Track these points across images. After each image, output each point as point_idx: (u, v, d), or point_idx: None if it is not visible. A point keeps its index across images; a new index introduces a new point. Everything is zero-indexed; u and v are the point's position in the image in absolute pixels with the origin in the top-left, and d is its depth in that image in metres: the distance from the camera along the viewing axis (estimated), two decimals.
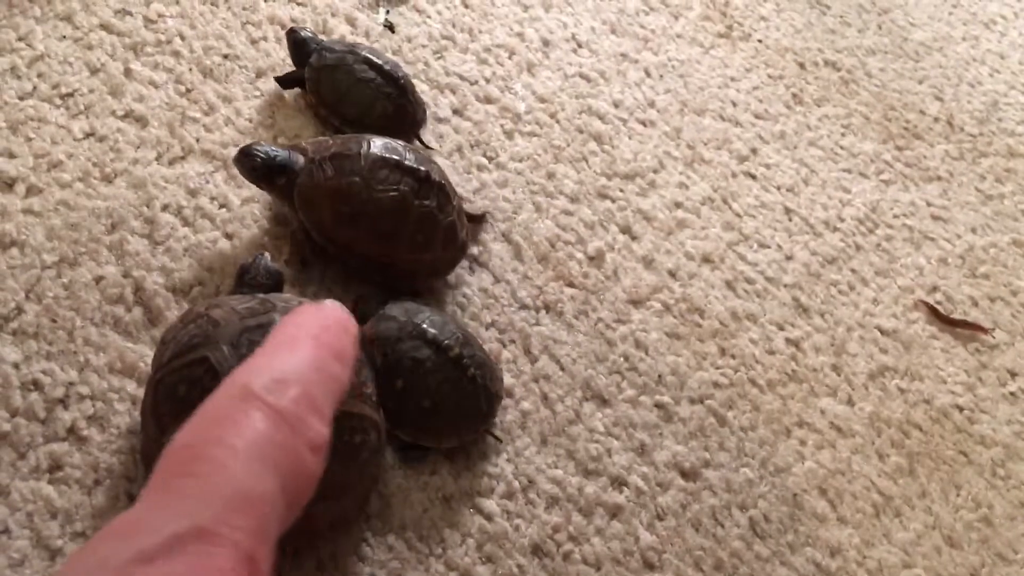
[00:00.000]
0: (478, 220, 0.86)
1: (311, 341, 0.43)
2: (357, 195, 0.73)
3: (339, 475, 0.60)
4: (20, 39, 0.82)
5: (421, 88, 0.96)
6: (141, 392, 0.66)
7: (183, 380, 0.59)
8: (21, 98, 0.78)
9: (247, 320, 0.62)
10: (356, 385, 0.63)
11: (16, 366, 0.65)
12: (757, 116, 1.16)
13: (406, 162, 0.75)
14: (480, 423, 0.73)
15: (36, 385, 0.65)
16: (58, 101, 0.80)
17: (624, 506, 0.76)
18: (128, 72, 0.84)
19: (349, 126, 0.86)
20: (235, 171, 0.81)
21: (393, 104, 0.87)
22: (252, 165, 0.73)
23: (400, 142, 0.78)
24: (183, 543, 0.33)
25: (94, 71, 0.83)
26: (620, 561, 0.73)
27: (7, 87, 0.78)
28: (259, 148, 0.74)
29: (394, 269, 0.77)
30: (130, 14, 0.88)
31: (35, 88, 0.79)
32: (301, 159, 0.75)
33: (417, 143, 0.90)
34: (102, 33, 0.86)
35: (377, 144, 0.76)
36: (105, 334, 0.69)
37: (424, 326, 0.72)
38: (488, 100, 1.00)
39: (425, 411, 0.71)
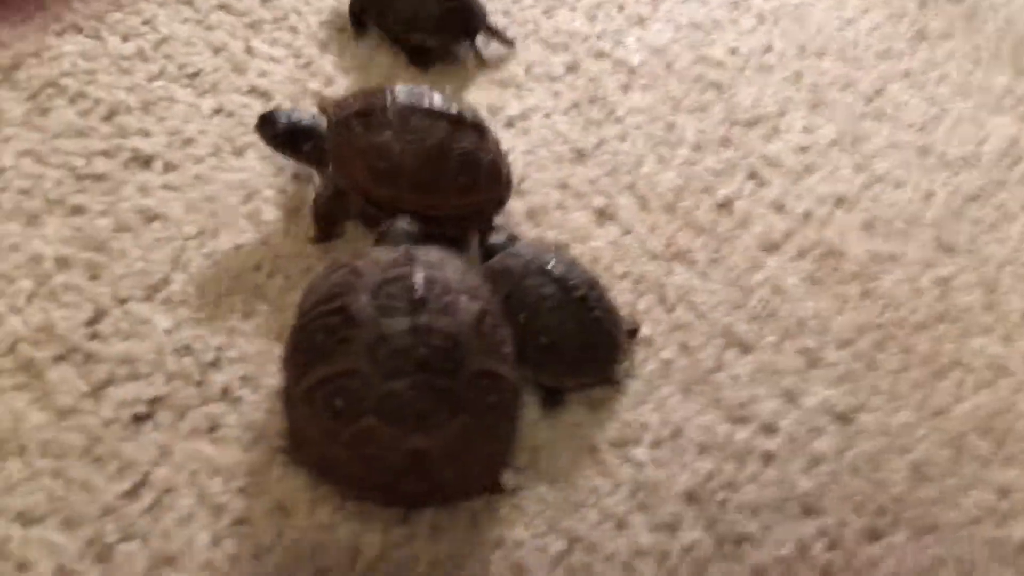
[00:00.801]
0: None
1: None
2: (391, 149, 0.70)
3: (473, 432, 0.59)
4: (145, 23, 0.84)
5: (533, 48, 0.95)
6: None
7: (321, 328, 0.59)
8: (151, 79, 0.80)
9: (388, 271, 0.61)
10: (494, 344, 0.62)
11: (168, 332, 0.67)
12: (879, 56, 1.10)
13: (436, 106, 0.71)
14: (600, 367, 0.72)
15: (188, 350, 0.66)
16: (185, 81, 0.81)
17: (777, 452, 0.73)
18: (249, 50, 0.85)
19: (402, 29, 0.85)
20: None
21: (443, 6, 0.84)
22: (274, 132, 0.70)
23: (425, 86, 0.75)
24: None
25: (217, 50, 0.84)
26: (778, 507, 0.70)
27: (137, 70, 0.80)
28: (280, 113, 0.71)
29: (441, 219, 0.74)
30: None
31: (163, 69, 0.81)
32: (324, 122, 0.72)
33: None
34: (221, 14, 0.87)
35: (401, 92, 0.72)
36: (249, 301, 0.70)
37: (551, 264, 0.71)
38: (601, 55, 0.98)
39: (545, 348, 0.69)
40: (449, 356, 0.59)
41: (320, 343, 0.59)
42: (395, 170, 0.70)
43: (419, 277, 0.61)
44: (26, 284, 0.66)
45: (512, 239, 0.75)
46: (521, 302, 0.69)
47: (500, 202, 0.77)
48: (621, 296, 0.79)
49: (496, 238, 0.75)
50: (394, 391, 0.57)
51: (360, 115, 0.70)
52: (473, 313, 0.61)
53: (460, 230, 0.76)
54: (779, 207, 0.90)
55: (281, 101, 0.82)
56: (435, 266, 0.63)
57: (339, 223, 0.74)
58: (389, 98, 0.71)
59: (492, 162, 0.74)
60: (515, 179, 0.84)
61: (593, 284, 0.72)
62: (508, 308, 0.68)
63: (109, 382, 0.63)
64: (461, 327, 0.60)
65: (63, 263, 0.68)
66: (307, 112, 0.71)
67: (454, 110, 0.72)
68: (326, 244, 0.74)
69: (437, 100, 0.72)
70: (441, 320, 0.59)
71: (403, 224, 0.71)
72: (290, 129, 0.70)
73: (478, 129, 0.73)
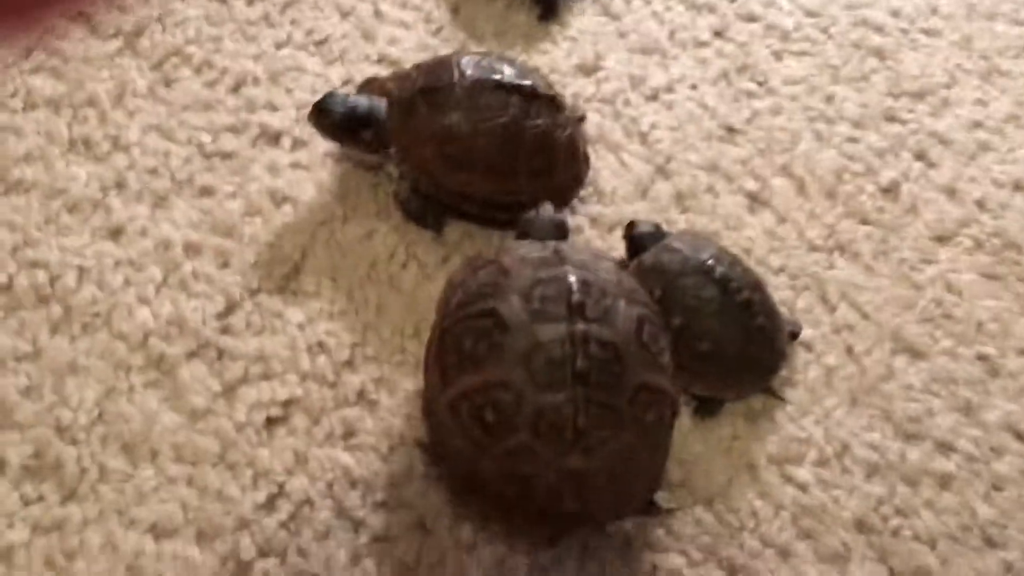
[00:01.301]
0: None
1: None
2: (462, 132, 0.64)
3: (632, 451, 0.54)
4: None
5: (677, 9, 0.87)
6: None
7: (470, 331, 0.54)
8: (278, 47, 0.76)
9: (540, 271, 0.56)
10: (654, 354, 0.56)
11: (301, 327, 0.63)
12: None
13: (506, 79, 0.65)
14: (762, 377, 0.65)
15: (322, 347, 0.62)
16: (312, 48, 0.77)
17: (955, 474, 0.66)
18: (378, 14, 0.80)
19: None
20: None
21: None
22: (331, 121, 0.65)
23: (493, 55, 0.68)
24: None
25: (344, 15, 0.79)
26: (957, 538, 0.64)
27: (263, 36, 0.76)
28: (335, 100, 0.65)
29: (518, 203, 0.67)
30: None
31: (290, 36, 0.77)
32: (384, 103, 0.66)
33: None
34: None
35: (469, 65, 0.66)
36: (383, 293, 0.65)
37: (711, 262, 0.65)
38: (751, 18, 0.90)
39: (702, 355, 0.63)
40: (609, 368, 0.53)
41: (468, 349, 0.54)
42: (467, 154, 0.64)
43: (574, 279, 0.55)
44: (156, 272, 0.63)
45: (659, 229, 0.69)
46: (678, 304, 0.63)
47: (579, 182, 0.71)
48: (778, 293, 0.72)
49: (643, 227, 0.69)
50: (551, 406, 0.52)
51: (425, 93, 0.64)
52: (633, 320, 0.56)
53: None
54: (951, 192, 0.81)
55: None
56: (588, 266, 0.58)
57: (438, 213, 0.68)
58: (456, 72, 0.65)
59: (569, 138, 0.68)
60: (661, 158, 0.77)
61: (757, 286, 0.66)
62: (663, 309, 0.62)
63: (243, 381, 0.60)
64: (621, 336, 0.54)
65: (193, 249, 0.64)
66: (365, 96, 0.66)
67: (527, 82, 0.65)
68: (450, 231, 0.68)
69: (508, 72, 0.66)
70: (600, 328, 0.54)
71: (548, 215, 0.65)
72: (348, 116, 0.64)
73: (553, 103, 0.67)
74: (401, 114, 0.65)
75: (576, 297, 0.55)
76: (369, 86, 0.69)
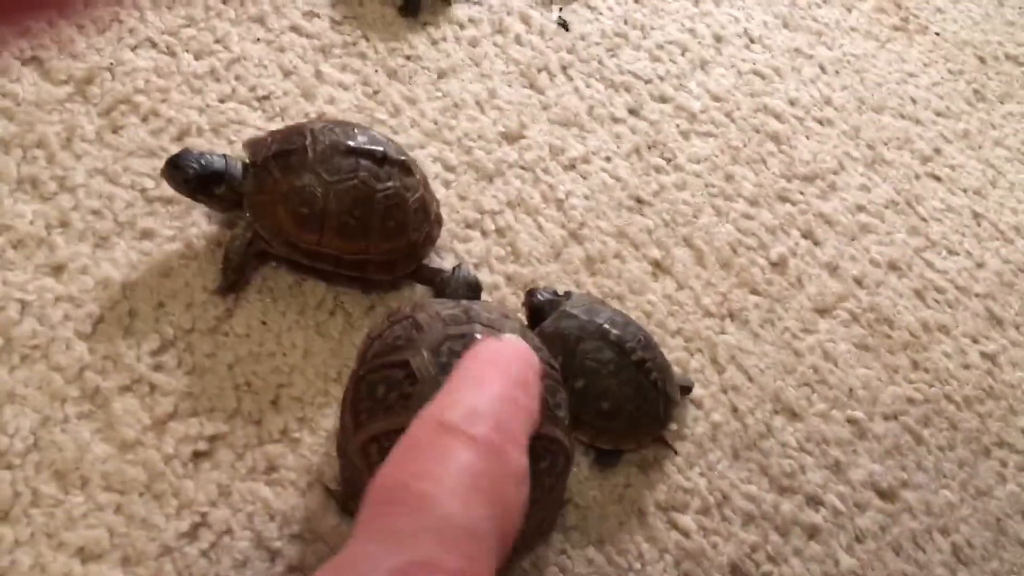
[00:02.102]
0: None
1: (499, 375, 0.43)
2: (313, 193, 0.67)
3: (528, 498, 0.59)
4: (217, 41, 0.83)
5: (596, 86, 0.95)
6: None
7: (383, 380, 0.59)
8: (222, 100, 0.80)
9: (450, 328, 0.61)
10: (550, 407, 0.62)
11: (230, 367, 0.67)
12: (938, 113, 1.10)
13: (358, 144, 0.68)
14: (658, 428, 0.72)
15: (249, 387, 0.66)
16: (255, 103, 0.81)
17: (822, 526, 0.73)
18: (319, 74, 0.85)
19: None
20: (432, 170, 0.81)
21: None
22: (184, 177, 0.67)
23: (350, 124, 0.72)
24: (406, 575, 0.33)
25: (287, 73, 0.84)
26: None
27: (208, 89, 0.80)
28: (190, 157, 0.67)
29: (372, 263, 0.71)
30: (318, 16, 0.89)
31: (234, 90, 0.81)
32: (239, 164, 0.69)
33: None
34: (292, 35, 0.87)
35: (322, 131, 0.69)
36: (310, 338, 0.70)
37: (607, 326, 0.71)
38: (663, 99, 0.98)
39: (604, 413, 0.69)
40: None
41: (380, 396, 0.59)
42: (319, 215, 0.67)
43: (480, 336, 0.61)
44: (94, 308, 0.66)
45: (556, 295, 0.75)
46: (579, 367, 0.69)
47: (430, 241, 0.74)
48: (674, 353, 0.79)
49: (541, 296, 0.74)
50: None
51: (278, 157, 0.67)
52: None
53: (392, 273, 0.72)
54: (833, 268, 0.90)
55: None
56: (495, 325, 0.63)
57: (249, 273, 0.71)
58: (309, 137, 0.68)
59: (419, 200, 0.71)
60: (575, 224, 0.84)
61: (648, 344, 0.72)
62: (566, 373, 0.68)
63: (172, 416, 0.64)
64: None
65: (131, 289, 0.68)
66: (218, 153, 0.68)
67: (378, 148, 0.69)
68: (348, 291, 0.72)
69: (360, 138, 0.69)
70: None
71: (463, 275, 0.71)
72: (201, 174, 0.67)
73: (404, 167, 0.70)
74: (256, 176, 0.67)
75: None
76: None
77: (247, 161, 0.69)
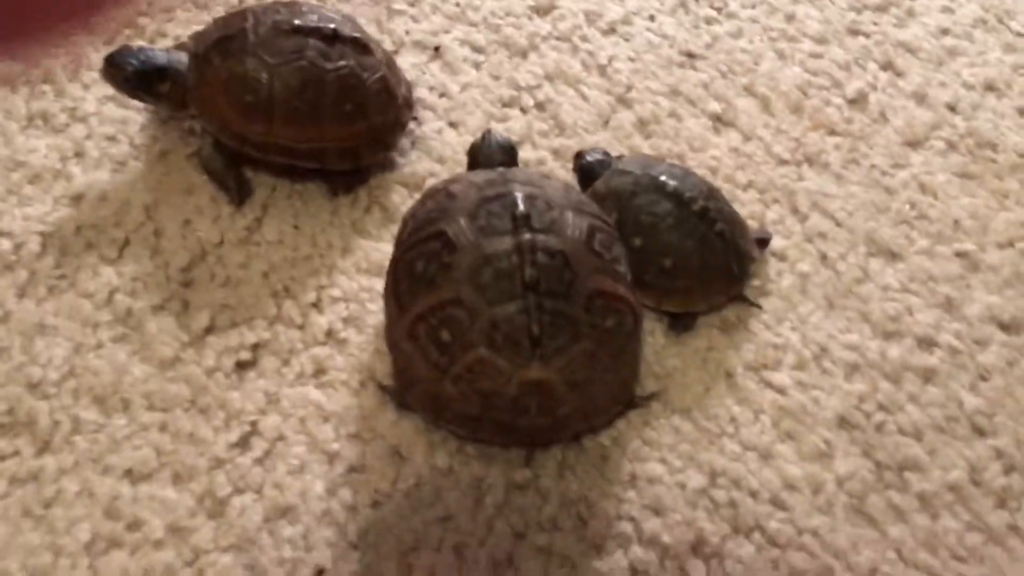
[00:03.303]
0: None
1: None
2: (256, 78, 0.60)
3: (593, 358, 0.53)
4: None
5: None
6: None
7: (421, 255, 0.54)
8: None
9: (485, 191, 0.56)
10: (607, 262, 0.56)
11: (265, 275, 0.63)
12: None
13: (304, 22, 0.62)
14: (731, 285, 0.64)
15: (288, 291, 0.63)
16: None
17: (938, 368, 0.65)
18: None
19: None
20: (450, 58, 0.75)
21: None
22: (124, 76, 0.61)
23: (294, 1, 0.65)
24: None
25: None
26: (943, 428, 0.63)
27: (215, 3, 0.76)
28: (129, 53, 0.62)
29: (329, 152, 0.64)
30: None
31: (241, 1, 0.77)
32: (184, 56, 0.63)
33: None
34: None
35: (263, 13, 0.63)
36: (346, 236, 0.66)
37: (663, 178, 0.64)
38: None
39: (667, 272, 0.62)
40: (559, 276, 0.53)
41: (419, 272, 0.54)
42: (263, 101, 0.61)
43: (520, 194, 0.55)
44: (118, 234, 0.63)
45: (608, 155, 0.68)
46: (635, 224, 0.63)
47: (396, 125, 0.67)
48: (748, 207, 0.72)
49: (591, 156, 0.68)
50: (503, 317, 0.52)
51: (219, 43, 0.61)
52: (582, 228, 0.55)
53: (355, 162, 0.66)
54: (921, 98, 0.80)
55: (366, 24, 0.76)
56: (534, 182, 0.58)
57: (243, 173, 0.66)
58: (251, 20, 0.62)
59: (380, 80, 0.64)
60: (621, 88, 0.77)
61: (711, 194, 0.65)
62: (621, 232, 0.61)
63: (210, 330, 0.60)
64: (570, 243, 0.54)
65: (153, 209, 0.64)
66: (162, 50, 0.63)
67: (327, 25, 0.62)
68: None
69: (309, 16, 0.62)
70: (547, 237, 0.54)
71: (496, 138, 0.65)
72: (142, 70, 0.61)
73: (359, 44, 0.63)
74: (197, 68, 0.62)
75: (521, 210, 0.54)
76: (178, 48, 0.67)
77: (191, 54, 0.63)
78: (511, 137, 0.67)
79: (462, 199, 0.56)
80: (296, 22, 0.62)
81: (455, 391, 0.54)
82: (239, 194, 0.65)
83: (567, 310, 0.53)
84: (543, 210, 0.55)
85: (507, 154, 0.65)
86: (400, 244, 0.57)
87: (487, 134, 0.65)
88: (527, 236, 0.53)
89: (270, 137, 0.62)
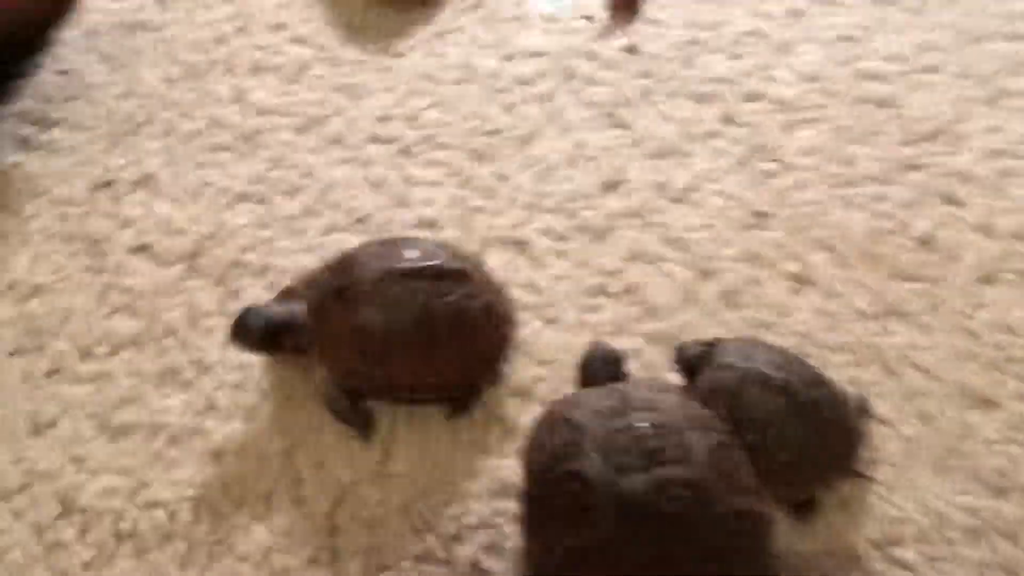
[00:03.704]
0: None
1: None
2: (373, 327, 0.64)
3: None
4: (304, 175, 0.83)
5: (683, 105, 0.91)
6: None
7: (559, 494, 0.57)
8: (325, 234, 0.80)
9: (612, 422, 0.59)
10: (737, 477, 0.58)
11: (403, 510, 0.66)
12: None
13: (409, 263, 0.66)
14: (845, 466, 0.67)
15: (428, 525, 0.66)
16: (358, 226, 0.81)
17: None
18: (407, 179, 0.84)
19: None
20: (534, 252, 0.79)
21: None
22: (253, 339, 0.66)
23: (396, 240, 0.70)
24: None
25: (376, 186, 0.83)
26: None
27: (309, 227, 0.80)
28: (252, 315, 0.66)
29: (447, 385, 0.69)
30: (391, 118, 0.88)
31: (333, 221, 0.81)
32: (300, 308, 0.67)
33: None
34: (372, 146, 0.86)
35: (371, 257, 0.67)
36: (471, 457, 0.69)
37: (766, 371, 0.66)
38: (754, 97, 0.93)
39: (785, 464, 0.65)
40: (694, 505, 0.56)
41: (560, 511, 0.57)
42: (383, 349, 0.64)
43: (646, 424, 0.58)
44: (261, 487, 0.66)
45: (706, 345, 0.71)
46: (747, 420, 0.65)
47: (504, 341, 0.71)
48: (842, 371, 0.74)
49: (691, 350, 0.70)
50: (649, 556, 0.55)
51: (335, 294, 0.65)
52: (709, 450, 0.58)
53: (471, 387, 0.70)
54: (986, 229, 0.83)
55: (448, 228, 0.80)
56: (656, 406, 0.61)
57: (365, 407, 0.69)
58: (360, 267, 0.66)
59: (486, 306, 0.68)
60: (700, 260, 0.80)
61: (817, 381, 0.68)
62: (731, 428, 0.64)
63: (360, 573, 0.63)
64: (699, 470, 0.57)
65: (289, 456, 0.68)
66: (282, 304, 0.68)
67: (431, 262, 0.66)
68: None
69: (410, 253, 0.66)
70: (678, 468, 0.57)
71: (600, 352, 0.68)
72: (267, 330, 0.66)
73: (460, 274, 0.67)
74: (316, 318, 0.66)
75: (651, 443, 0.57)
76: (287, 295, 0.71)
77: (306, 303, 0.67)
78: (613, 347, 0.70)
79: (589, 432, 0.59)
80: (404, 266, 0.66)
81: None
82: (365, 429, 0.68)
83: (706, 536, 0.56)
84: (670, 437, 0.58)
85: (613, 365, 0.68)
86: (534, 478, 0.60)
87: (595, 349, 0.68)
88: (660, 472, 0.56)
89: (391, 379, 0.66)
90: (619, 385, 0.65)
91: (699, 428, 0.60)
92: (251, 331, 0.66)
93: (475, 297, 0.68)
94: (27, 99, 0.84)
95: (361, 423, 0.68)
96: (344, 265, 0.68)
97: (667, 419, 0.60)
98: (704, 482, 0.57)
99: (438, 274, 0.66)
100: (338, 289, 0.66)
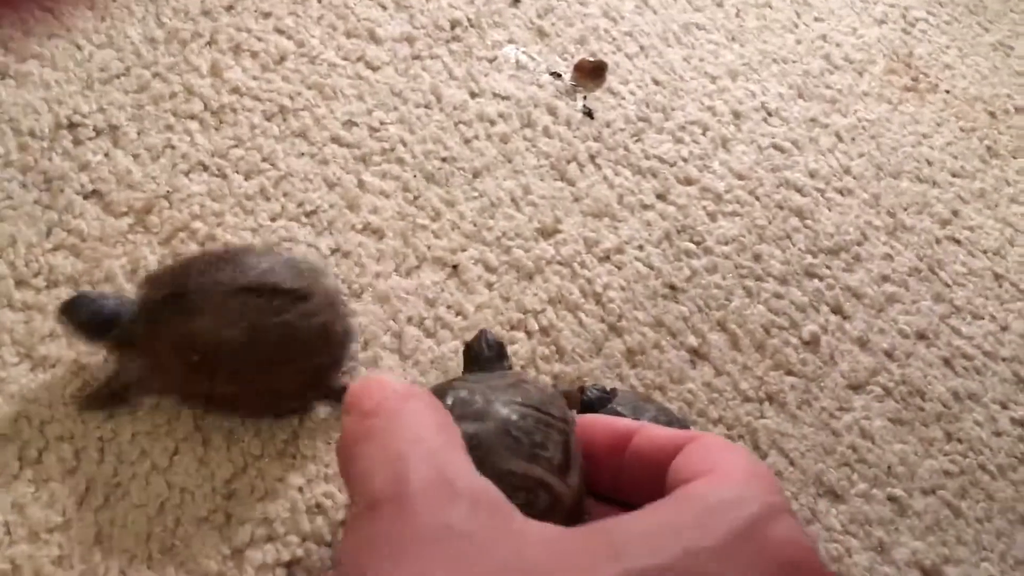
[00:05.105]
0: None
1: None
2: (203, 337, 0.64)
3: None
4: (264, 160, 0.87)
5: (624, 175, 0.98)
6: None
7: None
8: (272, 219, 0.84)
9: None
10: (525, 446, 0.54)
11: (300, 490, 0.70)
12: (954, 174, 1.13)
13: (246, 281, 0.66)
14: None
15: (319, 508, 0.70)
16: (304, 219, 0.85)
17: None
18: (361, 184, 0.88)
19: None
20: (466, 277, 0.85)
21: None
22: (75, 323, 0.66)
23: (239, 248, 0.72)
24: None
25: (331, 186, 0.87)
26: None
27: (259, 209, 0.84)
28: (84, 299, 0.67)
29: (274, 393, 0.70)
30: (356, 124, 0.93)
31: (283, 208, 0.85)
32: (132, 306, 0.67)
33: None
34: (334, 146, 0.90)
35: (208, 266, 0.68)
36: None
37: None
38: (689, 181, 1.01)
39: None
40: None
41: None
42: (211, 361, 0.65)
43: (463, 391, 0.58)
44: (169, 443, 0.69)
45: (605, 392, 0.77)
46: None
47: (336, 363, 0.72)
48: None
49: (591, 393, 0.77)
50: None
51: (171, 299, 0.66)
52: (505, 418, 0.56)
53: (301, 400, 0.73)
54: (864, 343, 0.93)
55: (392, 238, 0.85)
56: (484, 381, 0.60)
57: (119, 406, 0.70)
58: (196, 275, 0.66)
59: (320, 326, 0.68)
60: (613, 317, 0.87)
61: None
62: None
63: (249, 544, 0.67)
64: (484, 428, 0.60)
65: (201, 418, 0.71)
66: (115, 294, 0.69)
67: (270, 279, 0.66)
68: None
69: (253, 268, 0.67)
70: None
71: (488, 336, 0.67)
72: (92, 319, 0.66)
73: (298, 294, 0.67)
74: (147, 318, 0.66)
75: (448, 402, 0.56)
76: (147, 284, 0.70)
77: (140, 300, 0.68)
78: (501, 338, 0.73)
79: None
80: (242, 281, 0.66)
81: None
82: (95, 404, 0.69)
83: None
84: (473, 402, 0.56)
85: (495, 351, 0.70)
86: None
87: (482, 335, 0.68)
88: None
89: (213, 390, 0.67)
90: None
91: (506, 402, 0.57)
92: (74, 317, 0.66)
93: (311, 316, 0.68)
94: (9, 28, 0.85)
95: (106, 403, 0.69)
96: (185, 270, 0.68)
97: (491, 394, 0.57)
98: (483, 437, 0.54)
99: (275, 291, 0.66)
100: (173, 295, 0.66)
